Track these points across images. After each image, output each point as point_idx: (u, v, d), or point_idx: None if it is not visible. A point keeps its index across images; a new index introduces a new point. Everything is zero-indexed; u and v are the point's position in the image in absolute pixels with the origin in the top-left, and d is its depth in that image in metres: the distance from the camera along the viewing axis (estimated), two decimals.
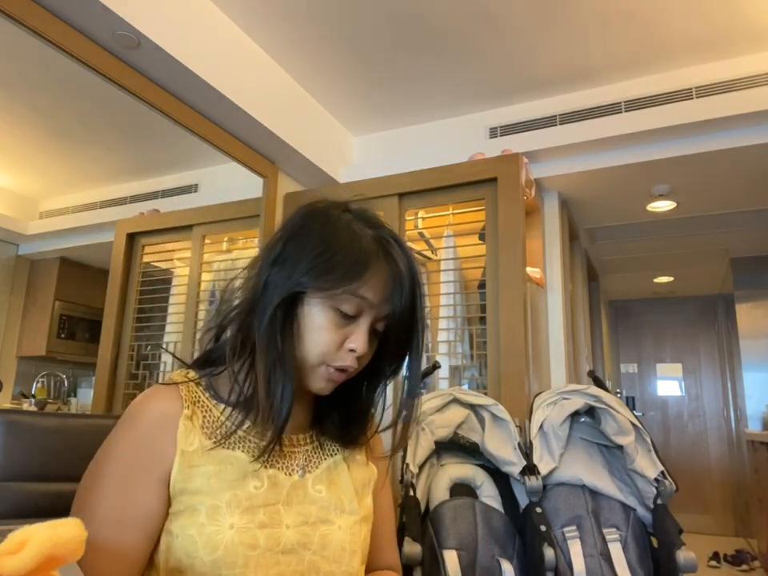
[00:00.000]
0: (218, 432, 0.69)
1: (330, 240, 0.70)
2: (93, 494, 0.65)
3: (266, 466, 0.70)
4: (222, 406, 0.71)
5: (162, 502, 0.66)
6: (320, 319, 0.69)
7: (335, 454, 0.79)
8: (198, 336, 2.41)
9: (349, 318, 0.70)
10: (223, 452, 0.68)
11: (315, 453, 0.77)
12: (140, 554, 0.65)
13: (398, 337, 0.74)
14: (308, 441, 0.77)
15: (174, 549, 0.64)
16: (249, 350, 0.70)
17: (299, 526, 0.69)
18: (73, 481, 0.79)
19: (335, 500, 0.74)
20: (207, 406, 0.71)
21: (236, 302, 0.74)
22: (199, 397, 0.71)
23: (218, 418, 0.70)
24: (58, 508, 0.76)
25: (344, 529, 0.72)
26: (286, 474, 0.71)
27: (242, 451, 0.69)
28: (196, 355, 0.79)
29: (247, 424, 0.70)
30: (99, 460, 0.68)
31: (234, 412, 0.70)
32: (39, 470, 0.78)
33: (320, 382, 0.72)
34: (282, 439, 0.72)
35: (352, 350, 0.70)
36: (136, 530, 0.64)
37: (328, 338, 0.69)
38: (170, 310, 2.52)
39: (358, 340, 0.70)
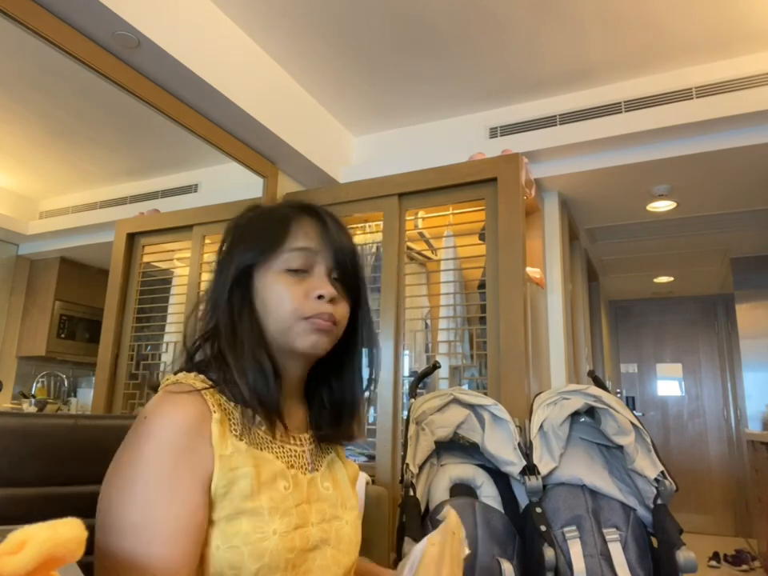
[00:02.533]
0: (244, 432, 0.68)
1: (256, 220, 0.78)
2: (134, 513, 0.59)
3: (288, 467, 0.70)
4: (233, 404, 0.70)
5: (206, 509, 0.63)
6: (275, 284, 0.72)
7: (330, 452, 0.81)
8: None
9: (302, 273, 0.73)
10: (256, 452, 0.67)
11: (317, 451, 0.78)
12: (194, 566, 0.61)
13: (349, 285, 0.78)
14: (310, 440, 0.79)
15: (214, 561, 0.61)
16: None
17: (320, 522, 0.71)
18: (36, 486, 0.75)
19: (340, 496, 0.76)
20: (228, 408, 0.69)
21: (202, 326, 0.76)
22: (219, 399, 0.69)
23: (238, 418, 0.69)
24: (32, 513, 0.73)
25: (350, 523, 0.76)
26: (302, 472, 0.73)
27: (268, 452, 0.69)
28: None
29: (264, 424, 0.70)
30: (130, 476, 0.61)
31: (247, 410, 0.69)
32: (9, 474, 0.74)
33: (308, 338, 0.72)
34: (294, 438, 0.74)
35: (320, 297, 0.72)
36: (190, 540, 0.60)
37: (290, 293, 0.72)
38: (170, 310, 2.53)
39: (321, 285, 0.72)
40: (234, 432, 0.67)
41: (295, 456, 0.73)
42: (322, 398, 0.81)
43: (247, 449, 0.66)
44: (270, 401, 0.69)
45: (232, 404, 0.69)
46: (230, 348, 0.70)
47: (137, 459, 0.62)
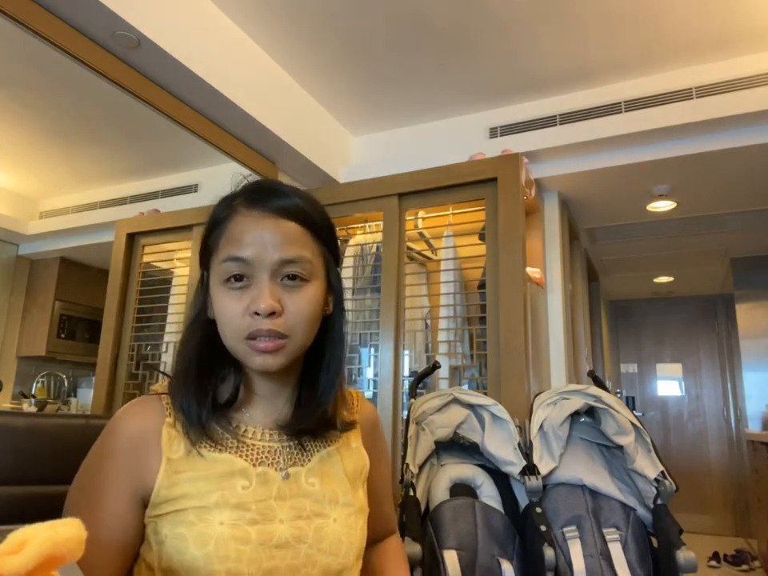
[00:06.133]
0: (198, 435, 0.69)
1: (204, 226, 0.74)
2: (70, 512, 0.66)
3: (254, 465, 0.69)
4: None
5: (138, 519, 0.67)
6: (217, 299, 0.70)
7: (328, 445, 0.77)
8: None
9: (244, 280, 0.68)
10: (209, 454, 0.68)
11: (306, 445, 0.75)
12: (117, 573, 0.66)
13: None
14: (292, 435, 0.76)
15: (164, 550, 0.64)
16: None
17: (293, 520, 0.68)
18: (46, 484, 0.77)
19: (329, 492, 0.73)
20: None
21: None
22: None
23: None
24: (30, 512, 0.73)
25: (339, 521, 0.71)
26: (276, 469, 0.71)
27: (230, 452, 0.69)
28: None
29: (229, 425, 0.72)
30: (79, 476, 0.69)
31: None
32: (11, 473, 0.75)
33: (254, 359, 0.68)
34: (271, 434, 0.73)
35: (256, 313, 0.66)
36: (112, 550, 0.65)
37: (229, 310, 0.68)
38: (170, 310, 2.52)
39: (257, 298, 0.66)
40: (188, 434, 0.69)
41: (267, 453, 0.71)
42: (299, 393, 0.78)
43: (198, 452, 0.68)
44: (195, 424, 0.68)
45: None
46: (174, 364, 0.73)
47: (83, 469, 0.69)
